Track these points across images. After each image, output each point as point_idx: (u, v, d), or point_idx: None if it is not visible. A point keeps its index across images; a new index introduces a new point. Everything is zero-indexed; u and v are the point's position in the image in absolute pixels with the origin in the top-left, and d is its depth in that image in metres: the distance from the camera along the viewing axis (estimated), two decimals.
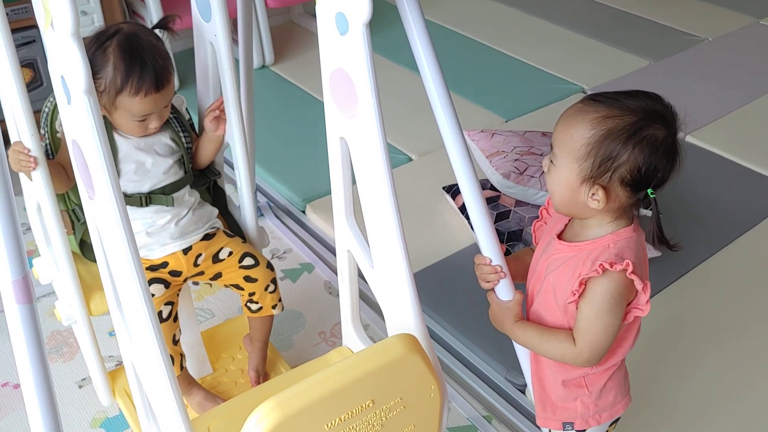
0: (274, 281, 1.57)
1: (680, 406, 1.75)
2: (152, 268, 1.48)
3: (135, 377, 1.14)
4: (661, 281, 2.10)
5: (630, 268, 1.06)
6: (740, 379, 1.83)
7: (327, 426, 0.99)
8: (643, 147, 1.04)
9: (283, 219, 2.40)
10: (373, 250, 1.20)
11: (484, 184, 2.33)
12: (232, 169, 1.69)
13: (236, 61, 1.52)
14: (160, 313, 1.44)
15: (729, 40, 3.56)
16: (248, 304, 1.58)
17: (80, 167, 0.96)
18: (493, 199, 2.25)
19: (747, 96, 3.08)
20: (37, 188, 1.38)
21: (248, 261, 1.54)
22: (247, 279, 1.54)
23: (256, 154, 2.37)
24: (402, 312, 1.16)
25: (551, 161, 1.12)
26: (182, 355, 1.53)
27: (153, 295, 1.44)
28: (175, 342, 1.48)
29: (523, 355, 1.31)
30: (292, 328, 2.00)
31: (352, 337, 1.37)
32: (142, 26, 1.40)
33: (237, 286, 1.56)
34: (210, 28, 1.46)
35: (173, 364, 1.45)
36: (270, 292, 1.57)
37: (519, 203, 2.21)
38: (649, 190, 1.07)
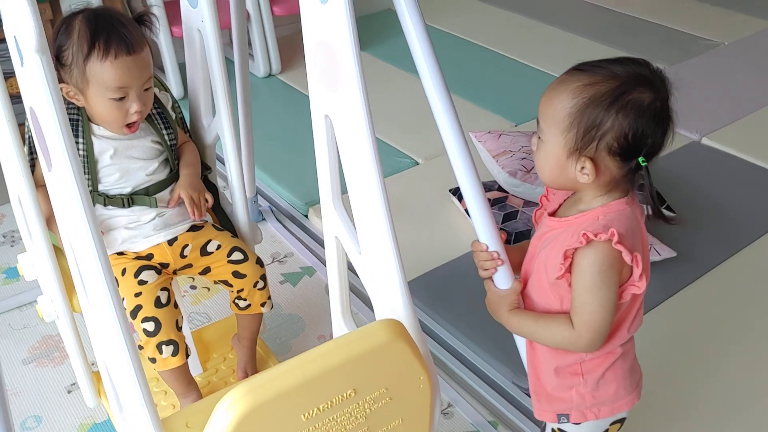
0: (263, 278, 1.50)
1: (697, 410, 1.66)
2: (139, 257, 1.42)
3: (106, 371, 1.07)
4: (677, 283, 2.03)
5: (615, 238, 0.99)
6: (759, 383, 1.73)
7: (304, 416, 0.92)
8: (628, 112, 0.98)
9: (285, 223, 2.35)
10: (360, 233, 1.13)
11: (491, 186, 2.26)
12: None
13: (230, 62, 1.47)
14: (158, 299, 1.37)
15: (745, 44, 3.48)
16: (236, 301, 1.51)
17: (38, 137, 0.90)
18: (500, 200, 2.18)
19: (764, 99, 2.99)
20: (17, 181, 1.33)
21: (237, 255, 1.47)
22: (236, 274, 1.47)
23: (260, 160, 2.34)
24: (390, 298, 1.09)
25: (539, 137, 1.06)
26: (186, 344, 1.43)
27: (146, 282, 1.38)
28: (179, 328, 1.40)
29: (522, 347, 1.23)
30: (291, 331, 1.93)
31: (341, 328, 1.30)
32: (113, 8, 1.36)
33: (226, 283, 1.49)
34: (197, 15, 1.42)
35: (178, 351, 1.37)
36: (259, 289, 1.50)
37: (527, 203, 2.14)
38: (641, 159, 1.00)
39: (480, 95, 3.01)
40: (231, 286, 1.49)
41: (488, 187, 2.26)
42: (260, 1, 3.10)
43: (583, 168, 1.02)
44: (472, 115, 2.81)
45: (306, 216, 2.37)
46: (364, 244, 1.13)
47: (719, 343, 1.84)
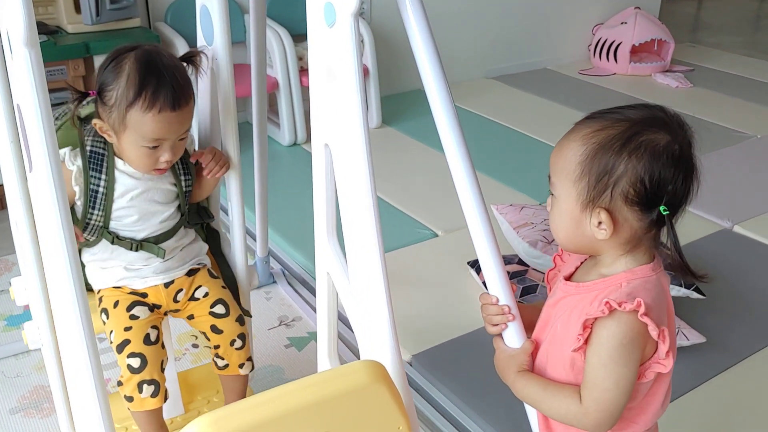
0: (241, 337, 1.41)
1: None
2: (134, 293, 1.37)
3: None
4: (707, 371, 1.89)
5: (642, 309, 0.89)
6: None
7: None
8: (641, 154, 0.90)
9: (296, 287, 2.28)
10: (351, 268, 1.06)
11: (511, 259, 2.18)
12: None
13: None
14: (147, 336, 1.31)
15: None
16: (215, 359, 1.43)
17: (23, 137, 0.86)
18: (519, 273, 2.09)
19: None
20: (14, 202, 1.29)
21: (219, 309, 1.40)
22: (214, 329, 1.40)
23: (276, 223, 2.31)
24: (376, 340, 1.00)
25: (552, 193, 0.99)
26: (166, 388, 1.35)
27: (137, 317, 1.33)
28: (162, 370, 1.33)
29: (534, 422, 1.11)
30: None
31: (325, 368, 1.20)
32: (165, 49, 1.30)
33: (206, 336, 1.42)
34: (212, 52, 1.40)
35: (158, 393, 1.30)
36: (236, 349, 1.40)
37: None
38: (662, 208, 0.91)
39: (506, 174, 2.97)
40: (209, 340, 1.42)
41: (508, 260, 2.17)
42: (290, 71, 3.15)
43: (600, 223, 0.93)
44: (496, 192, 2.77)
45: None
46: (354, 279, 1.06)
47: None
